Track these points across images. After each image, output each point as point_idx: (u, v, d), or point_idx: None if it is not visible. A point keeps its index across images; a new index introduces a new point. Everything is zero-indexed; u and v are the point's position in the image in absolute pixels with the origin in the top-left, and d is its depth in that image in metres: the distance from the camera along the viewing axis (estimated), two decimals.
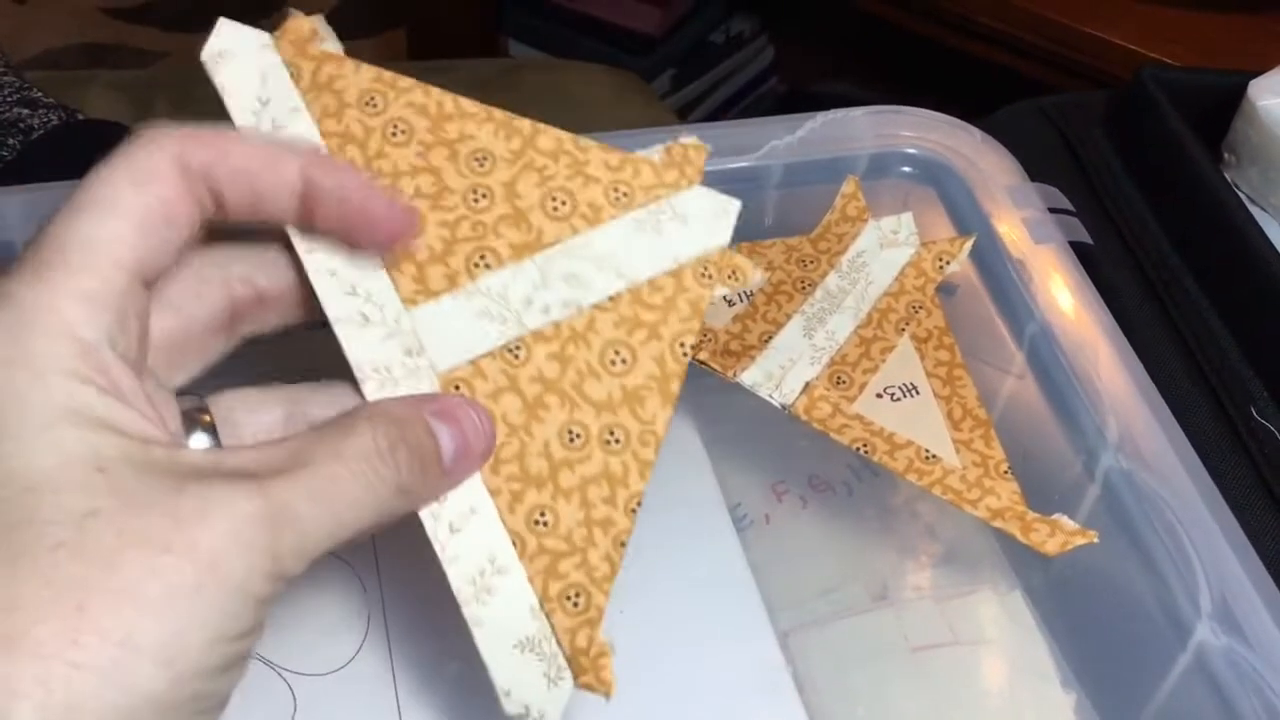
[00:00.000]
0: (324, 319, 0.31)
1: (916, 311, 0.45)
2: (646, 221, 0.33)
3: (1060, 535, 0.38)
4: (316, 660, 0.37)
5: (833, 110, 0.50)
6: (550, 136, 0.34)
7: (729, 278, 0.34)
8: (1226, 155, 0.57)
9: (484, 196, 0.33)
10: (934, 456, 0.41)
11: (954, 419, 0.42)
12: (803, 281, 0.45)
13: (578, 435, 0.32)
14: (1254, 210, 0.55)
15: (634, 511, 0.32)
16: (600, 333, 0.33)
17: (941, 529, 0.43)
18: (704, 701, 0.37)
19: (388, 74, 0.33)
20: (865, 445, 0.41)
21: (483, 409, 0.31)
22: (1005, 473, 0.41)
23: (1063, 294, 0.45)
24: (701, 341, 0.43)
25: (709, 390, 0.45)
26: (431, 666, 0.37)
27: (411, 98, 0.33)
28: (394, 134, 0.33)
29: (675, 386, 0.33)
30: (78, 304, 0.26)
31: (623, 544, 0.31)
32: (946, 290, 0.46)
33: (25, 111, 0.58)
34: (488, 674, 0.30)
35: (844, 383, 0.42)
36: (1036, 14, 0.94)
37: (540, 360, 0.32)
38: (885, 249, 0.46)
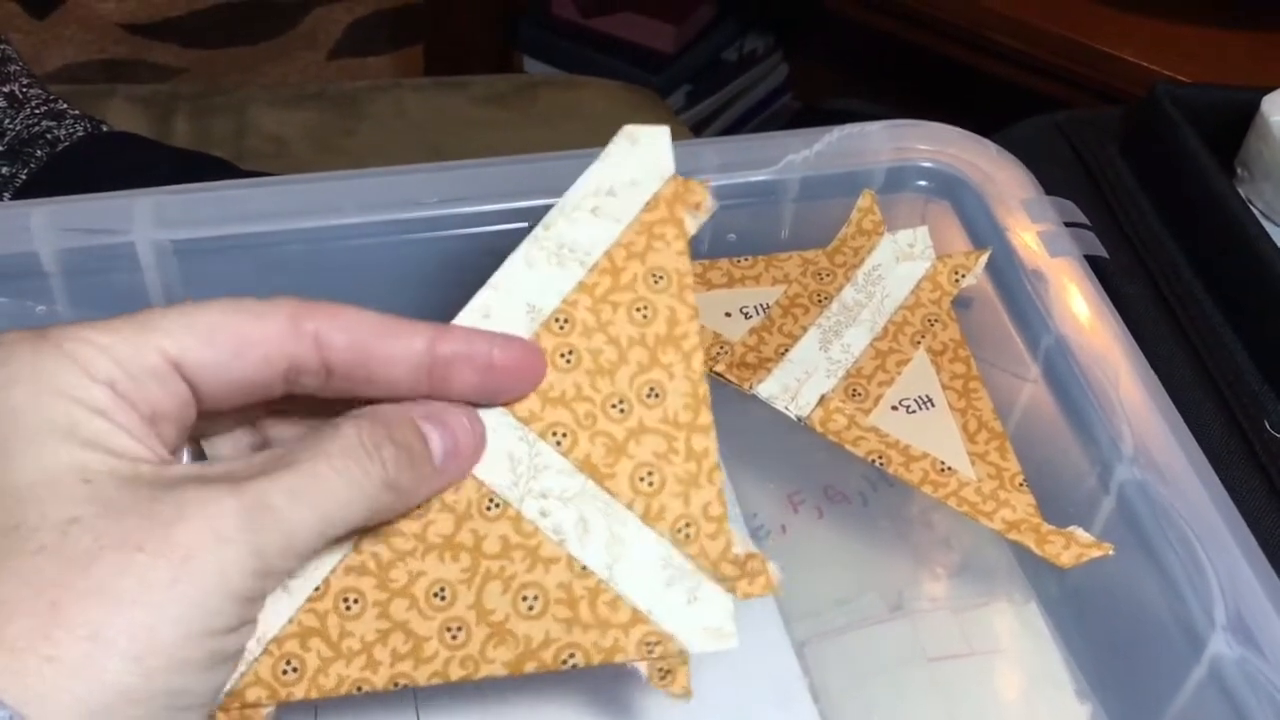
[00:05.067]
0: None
1: (932, 324, 0.45)
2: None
3: (1075, 547, 0.38)
4: None
5: (849, 124, 0.50)
6: None
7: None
8: (1240, 171, 0.57)
9: None
10: (949, 468, 0.41)
11: (969, 431, 0.42)
12: (819, 295, 0.46)
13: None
14: (1267, 225, 0.55)
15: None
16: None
17: (957, 540, 0.44)
18: (720, 711, 0.37)
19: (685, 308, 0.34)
20: (881, 457, 0.41)
21: (475, 413, 0.32)
22: (1020, 485, 0.41)
23: (1078, 307, 0.45)
24: (718, 354, 0.44)
25: (725, 402, 0.45)
26: None
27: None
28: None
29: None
30: (98, 353, 0.27)
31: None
32: (962, 303, 0.47)
33: (52, 124, 0.58)
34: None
35: (859, 395, 0.43)
36: (1049, 31, 0.94)
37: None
38: (901, 262, 0.47)
